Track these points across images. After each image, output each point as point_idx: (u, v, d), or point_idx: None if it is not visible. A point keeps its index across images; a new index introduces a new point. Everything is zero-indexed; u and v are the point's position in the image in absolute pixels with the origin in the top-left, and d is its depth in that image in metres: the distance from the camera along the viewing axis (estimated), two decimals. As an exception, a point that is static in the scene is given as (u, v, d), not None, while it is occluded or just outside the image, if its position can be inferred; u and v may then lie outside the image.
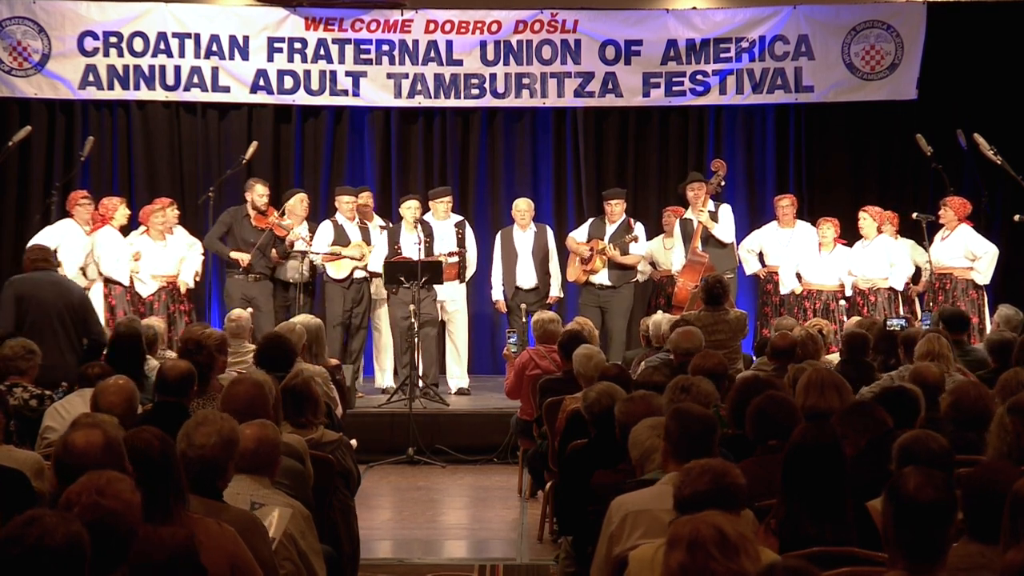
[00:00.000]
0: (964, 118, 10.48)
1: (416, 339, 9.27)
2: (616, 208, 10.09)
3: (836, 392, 4.78)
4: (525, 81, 11.14)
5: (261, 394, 4.57)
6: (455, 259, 9.83)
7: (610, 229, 10.07)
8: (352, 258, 9.81)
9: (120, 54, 10.98)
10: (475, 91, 11.17)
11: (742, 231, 10.53)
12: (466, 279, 10.13)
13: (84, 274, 9.53)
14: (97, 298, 9.37)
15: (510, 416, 8.30)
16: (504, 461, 8.73)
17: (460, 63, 11.14)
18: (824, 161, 11.42)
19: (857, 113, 11.26)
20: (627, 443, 4.26)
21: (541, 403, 6.80)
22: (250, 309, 8.95)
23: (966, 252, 9.75)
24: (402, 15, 11.11)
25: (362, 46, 11.13)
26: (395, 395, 9.30)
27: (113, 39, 10.97)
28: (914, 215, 9.91)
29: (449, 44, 11.13)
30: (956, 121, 10.41)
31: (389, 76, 11.15)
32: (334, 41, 11.10)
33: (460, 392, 10.02)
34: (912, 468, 3.06)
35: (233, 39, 11.06)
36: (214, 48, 11.04)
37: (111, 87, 11.01)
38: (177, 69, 11.03)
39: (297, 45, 11.10)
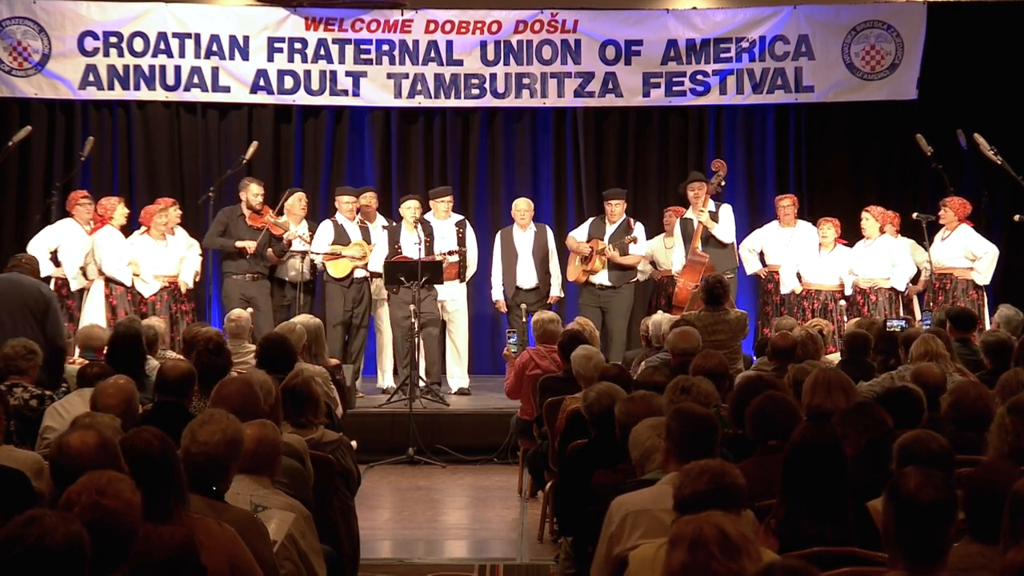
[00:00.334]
0: (964, 118, 10.48)
1: (417, 339, 9.27)
2: (616, 208, 10.09)
3: (843, 392, 4.78)
4: (525, 81, 11.14)
5: (252, 393, 4.56)
6: (455, 258, 9.82)
7: (610, 229, 10.07)
8: (353, 257, 9.81)
9: (120, 54, 10.98)
10: (475, 91, 11.17)
11: (742, 231, 10.53)
12: (466, 279, 10.13)
13: (84, 274, 9.52)
14: (98, 298, 9.36)
15: (510, 416, 8.29)
16: (504, 461, 8.73)
17: (460, 63, 11.14)
18: (824, 161, 11.41)
19: (857, 113, 11.26)
20: (627, 443, 4.26)
21: (541, 403, 6.80)
22: (249, 309, 8.96)
23: (966, 252, 9.74)
24: (402, 15, 11.11)
25: (362, 46, 11.13)
26: (395, 395, 9.30)
27: (113, 39, 10.96)
28: (914, 215, 9.91)
29: (449, 44, 11.13)
30: (956, 121, 10.41)
31: (389, 76, 11.15)
32: (334, 41, 11.11)
33: (460, 392, 10.00)
34: (912, 468, 3.06)
35: (233, 39, 11.06)
36: (214, 48, 11.04)
37: (111, 87, 11.01)
38: (177, 69, 11.03)
39: (297, 45, 11.10)
